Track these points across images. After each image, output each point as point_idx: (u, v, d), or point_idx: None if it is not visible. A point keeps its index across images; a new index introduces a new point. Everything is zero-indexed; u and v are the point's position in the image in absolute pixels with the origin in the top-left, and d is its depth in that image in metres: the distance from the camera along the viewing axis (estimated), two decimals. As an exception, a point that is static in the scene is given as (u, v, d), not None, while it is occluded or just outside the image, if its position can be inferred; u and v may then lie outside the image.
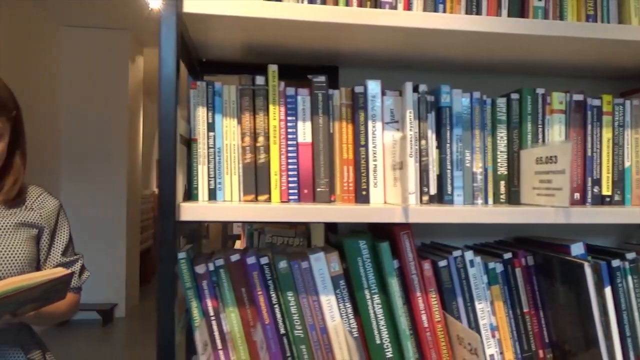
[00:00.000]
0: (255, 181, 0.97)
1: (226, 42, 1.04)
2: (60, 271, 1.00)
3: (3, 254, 1.12)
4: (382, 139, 1.02)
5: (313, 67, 1.19)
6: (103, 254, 5.12)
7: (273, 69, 0.97)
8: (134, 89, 5.58)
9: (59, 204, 1.32)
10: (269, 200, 0.97)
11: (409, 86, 1.01)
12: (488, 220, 0.91)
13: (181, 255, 0.94)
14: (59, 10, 4.78)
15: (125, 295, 5.25)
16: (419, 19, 0.95)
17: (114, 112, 5.19)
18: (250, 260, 0.94)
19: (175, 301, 0.80)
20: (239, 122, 0.98)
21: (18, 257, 1.15)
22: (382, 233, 1.04)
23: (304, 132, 1.00)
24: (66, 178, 5.05)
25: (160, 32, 0.78)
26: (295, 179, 0.99)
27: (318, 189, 0.99)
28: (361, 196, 1.00)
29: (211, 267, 0.94)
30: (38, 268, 1.23)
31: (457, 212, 0.90)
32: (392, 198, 1.01)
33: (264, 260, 0.95)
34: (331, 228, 1.22)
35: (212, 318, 0.93)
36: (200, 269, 0.94)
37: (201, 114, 0.96)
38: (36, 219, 1.23)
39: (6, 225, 1.17)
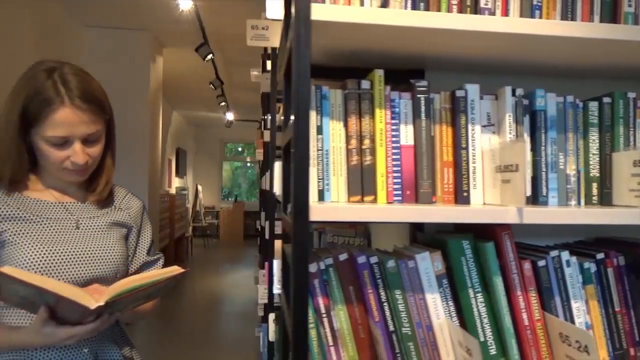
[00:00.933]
0: (362, 182, 1.00)
1: (327, 46, 1.06)
2: (175, 269, 1.03)
3: (100, 254, 1.15)
4: (480, 142, 1.05)
5: (399, 71, 1.21)
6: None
7: (379, 73, 1.00)
8: (154, 89, 5.62)
9: (143, 204, 1.35)
10: (374, 201, 1.00)
11: (508, 90, 1.04)
12: (597, 222, 0.94)
13: (294, 254, 0.97)
14: (81, 11, 4.82)
15: (147, 294, 5.28)
16: (519, 25, 0.98)
17: (135, 111, 5.22)
18: (361, 259, 0.97)
19: (308, 299, 0.83)
20: (345, 125, 1.01)
21: (114, 256, 1.17)
22: (478, 233, 1.07)
23: (406, 134, 1.02)
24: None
25: (296, 40, 0.81)
26: (399, 180, 1.01)
27: (421, 190, 1.01)
28: (462, 197, 1.03)
29: (322, 265, 0.97)
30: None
31: (571, 214, 0.93)
32: (490, 199, 1.04)
33: (374, 260, 0.98)
34: (418, 227, 1.25)
35: (324, 315, 0.96)
36: (312, 267, 0.96)
37: (311, 117, 0.99)
38: (125, 218, 1.26)
39: (100, 225, 1.20)
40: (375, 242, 1.71)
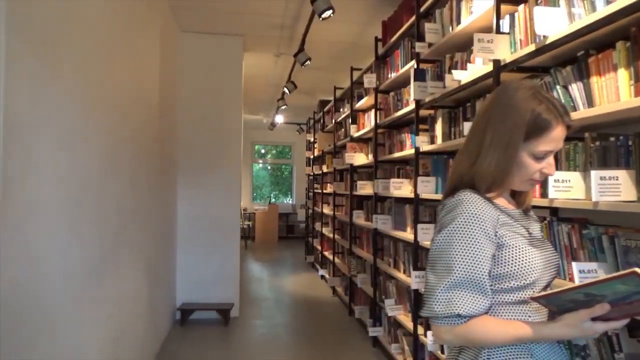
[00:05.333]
0: None
1: None
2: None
3: (554, 258, 1.24)
4: None
5: None
6: (220, 255, 5.18)
7: None
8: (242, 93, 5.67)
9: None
10: None
11: None
12: None
13: None
14: (181, 16, 4.86)
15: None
16: None
17: (231, 114, 5.27)
18: None
19: None
20: None
21: (558, 260, 1.27)
22: None
23: None
24: (182, 178, 5.10)
25: None
26: None
27: None
28: None
29: None
30: None
31: None
32: None
33: None
34: None
35: None
36: None
37: None
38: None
39: (539, 231, 1.29)
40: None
